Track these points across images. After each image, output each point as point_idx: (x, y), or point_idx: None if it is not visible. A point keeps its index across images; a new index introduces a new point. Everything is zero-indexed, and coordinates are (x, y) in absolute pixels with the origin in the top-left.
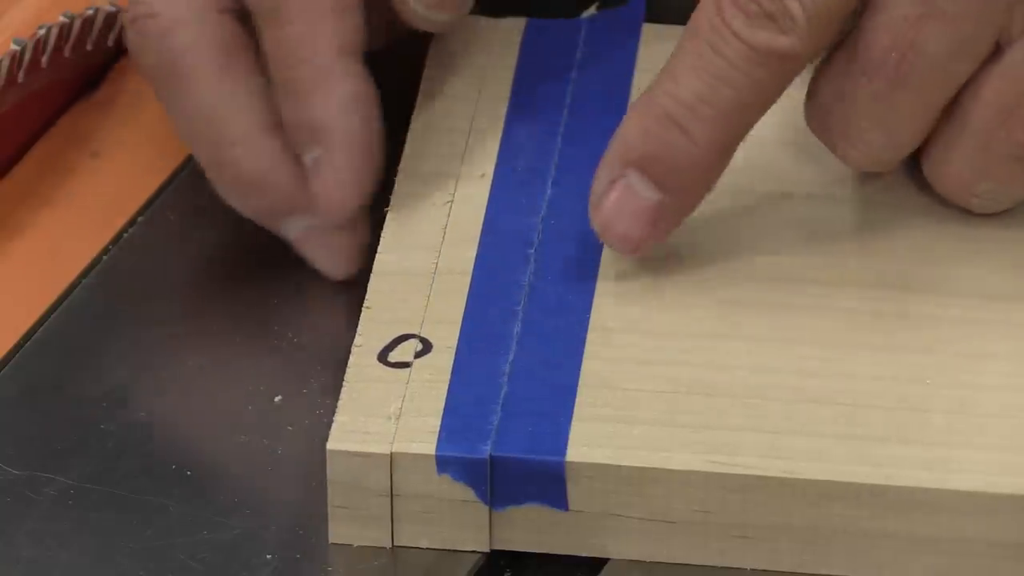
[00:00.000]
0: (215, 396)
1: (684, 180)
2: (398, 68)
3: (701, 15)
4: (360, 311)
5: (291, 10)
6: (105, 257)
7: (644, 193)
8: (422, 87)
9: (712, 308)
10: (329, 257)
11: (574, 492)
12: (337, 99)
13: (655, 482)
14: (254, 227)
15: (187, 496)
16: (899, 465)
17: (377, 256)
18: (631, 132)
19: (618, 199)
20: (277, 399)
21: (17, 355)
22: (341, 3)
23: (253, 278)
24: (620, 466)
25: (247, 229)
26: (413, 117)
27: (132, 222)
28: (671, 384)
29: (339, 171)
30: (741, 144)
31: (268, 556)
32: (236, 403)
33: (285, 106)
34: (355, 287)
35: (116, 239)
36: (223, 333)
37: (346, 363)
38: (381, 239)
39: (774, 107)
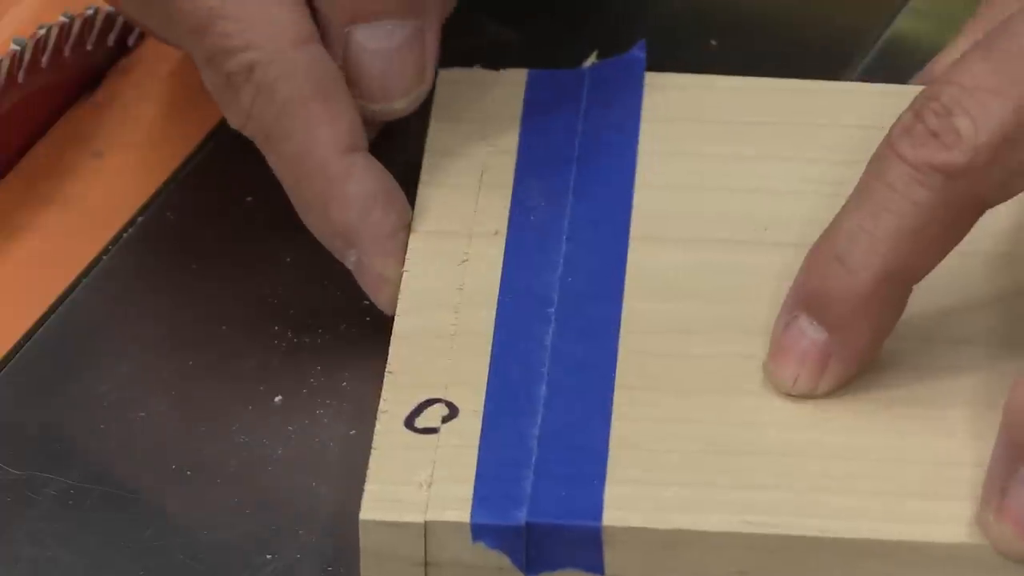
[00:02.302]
0: (215, 396)
1: (844, 313)
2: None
3: (877, 150)
4: (362, 312)
5: (286, 127)
6: (105, 257)
7: (811, 334)
8: (427, 143)
9: (738, 363)
10: (375, 292)
11: (610, 556)
12: (355, 203)
13: (690, 544)
14: (254, 227)
15: (187, 496)
16: (935, 521)
17: (396, 318)
18: (800, 275)
19: (787, 340)
20: (277, 399)
21: (17, 355)
22: (333, 106)
23: (253, 278)
24: (656, 529)
25: (247, 229)
26: (421, 174)
27: (132, 222)
28: (701, 443)
29: (378, 268)
30: (770, 195)
31: (268, 556)
32: (236, 403)
33: (309, 220)
34: (357, 288)
35: (116, 239)
36: (223, 333)
37: (347, 363)
38: (399, 300)
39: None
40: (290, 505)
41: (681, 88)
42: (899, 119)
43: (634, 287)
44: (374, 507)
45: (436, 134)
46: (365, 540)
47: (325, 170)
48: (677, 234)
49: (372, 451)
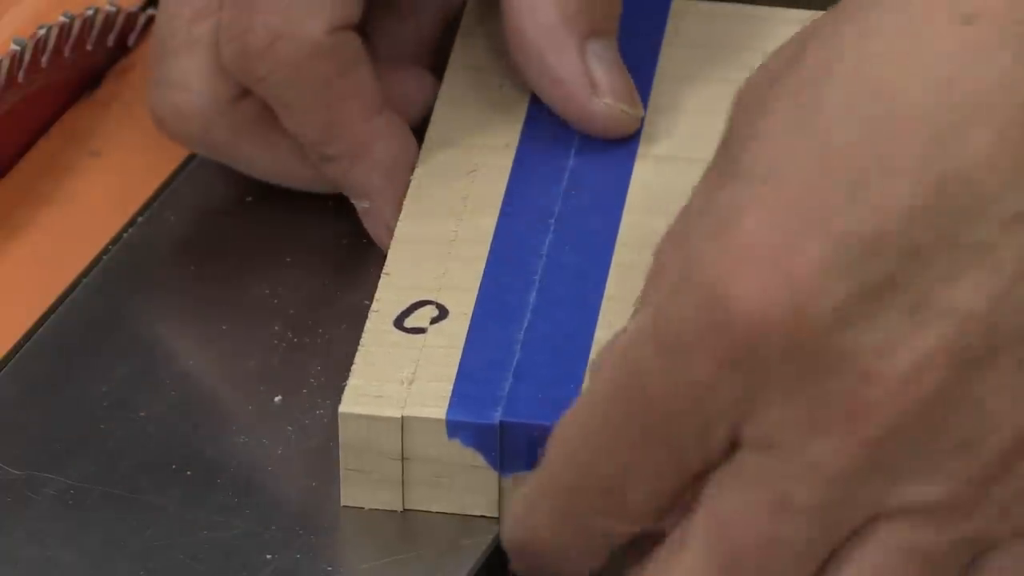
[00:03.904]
0: (215, 396)
1: None
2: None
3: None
4: (362, 312)
5: (308, 102)
6: (105, 257)
7: None
8: (451, 59)
9: None
10: (379, 234)
11: None
12: (381, 164)
13: None
14: (254, 227)
15: (187, 496)
16: None
17: (399, 223)
18: None
19: None
20: (277, 399)
21: (17, 355)
22: (356, 78)
23: (253, 278)
24: None
25: (247, 229)
26: (441, 87)
27: (132, 222)
28: None
29: (389, 219)
30: None
31: (268, 556)
32: (236, 403)
33: (330, 169)
34: (357, 288)
35: (116, 239)
36: (223, 333)
37: (347, 363)
38: (404, 206)
39: None
40: (290, 505)
41: (705, 16)
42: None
43: (635, 203)
44: (355, 401)
45: (460, 50)
46: (344, 433)
47: (351, 137)
48: (683, 154)
49: (359, 348)
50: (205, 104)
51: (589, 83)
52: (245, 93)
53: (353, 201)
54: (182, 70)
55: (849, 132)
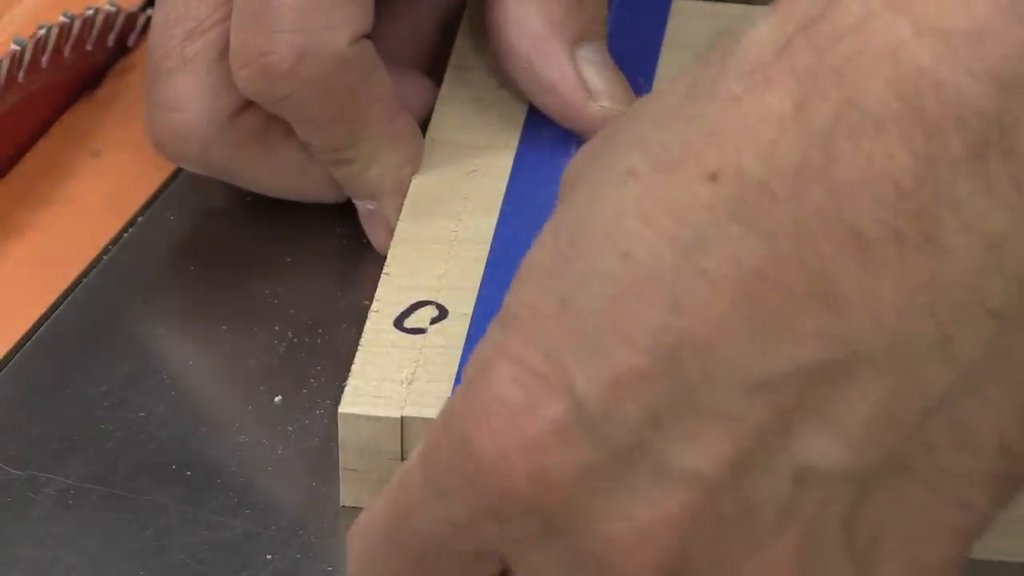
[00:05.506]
0: (215, 396)
1: None
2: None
3: None
4: (362, 312)
5: (332, 114)
6: (105, 257)
7: None
8: (451, 58)
9: None
10: (379, 236)
11: None
12: (395, 166)
13: None
14: (253, 227)
15: (187, 496)
16: None
17: (399, 223)
18: None
19: None
20: (277, 399)
21: (17, 355)
22: (376, 84)
23: (252, 278)
24: None
25: (247, 229)
26: (442, 87)
27: (132, 222)
28: None
29: (391, 220)
30: None
31: (268, 556)
32: (236, 403)
33: (342, 172)
34: (358, 288)
35: (116, 239)
36: (223, 333)
37: (347, 363)
38: (404, 207)
39: None
40: (290, 505)
41: (705, 16)
42: None
43: None
44: (354, 401)
45: (460, 50)
46: (344, 433)
47: (371, 140)
48: None
49: (359, 348)
50: (204, 124)
51: (583, 88)
52: (243, 108)
53: (357, 203)
54: (177, 92)
55: (594, 296)
